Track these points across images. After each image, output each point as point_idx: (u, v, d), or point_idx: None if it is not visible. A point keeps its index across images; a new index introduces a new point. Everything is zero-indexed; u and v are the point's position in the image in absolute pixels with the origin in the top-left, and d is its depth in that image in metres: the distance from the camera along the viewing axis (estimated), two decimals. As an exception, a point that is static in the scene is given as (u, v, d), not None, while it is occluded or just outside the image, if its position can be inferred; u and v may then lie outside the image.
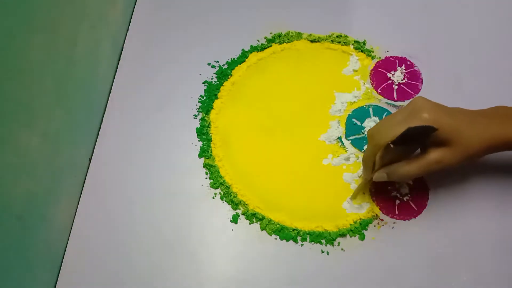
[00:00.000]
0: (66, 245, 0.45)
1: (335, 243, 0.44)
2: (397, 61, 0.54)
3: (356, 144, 0.49)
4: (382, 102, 0.52)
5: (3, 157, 0.35)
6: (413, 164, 0.40)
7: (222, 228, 0.45)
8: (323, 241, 0.44)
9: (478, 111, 0.41)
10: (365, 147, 0.48)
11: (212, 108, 0.52)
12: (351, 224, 0.45)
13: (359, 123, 0.50)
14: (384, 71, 0.53)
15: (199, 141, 0.50)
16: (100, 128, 0.51)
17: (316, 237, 0.44)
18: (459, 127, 0.38)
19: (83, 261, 0.44)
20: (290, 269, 0.43)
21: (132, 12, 0.60)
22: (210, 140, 0.50)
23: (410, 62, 0.54)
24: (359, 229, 0.45)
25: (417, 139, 0.39)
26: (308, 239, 0.44)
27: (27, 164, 0.38)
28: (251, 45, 0.56)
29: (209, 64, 0.55)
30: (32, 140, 0.39)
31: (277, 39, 0.56)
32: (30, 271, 0.40)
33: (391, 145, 0.40)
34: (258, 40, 0.56)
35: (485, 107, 0.50)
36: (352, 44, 0.55)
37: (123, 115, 0.52)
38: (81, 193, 0.47)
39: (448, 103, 0.51)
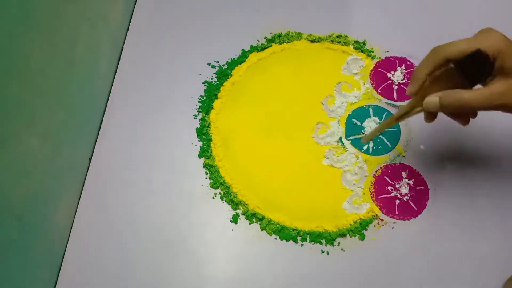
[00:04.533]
0: (66, 245, 0.45)
1: (335, 243, 0.44)
2: (397, 61, 0.54)
3: (356, 144, 0.49)
4: (382, 102, 0.52)
5: (3, 157, 0.35)
6: (474, 92, 0.34)
7: (222, 228, 0.45)
8: (323, 241, 0.44)
9: None
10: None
11: (212, 108, 0.52)
12: (351, 224, 0.45)
13: (359, 123, 0.50)
14: (384, 71, 0.53)
15: (199, 141, 0.50)
16: (100, 128, 0.51)
17: (316, 237, 0.44)
18: None
19: (83, 261, 0.44)
20: (290, 269, 0.43)
21: (132, 12, 0.60)
22: (210, 140, 0.50)
23: (410, 62, 0.54)
24: (359, 229, 0.45)
25: (478, 73, 0.34)
26: (308, 239, 0.44)
27: (27, 164, 0.38)
28: (251, 45, 0.56)
29: (209, 64, 0.55)
30: (33, 140, 0.39)
31: (277, 39, 0.56)
32: (30, 271, 0.40)
33: (452, 65, 0.34)
34: (258, 40, 0.56)
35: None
36: (352, 44, 0.55)
37: (123, 115, 0.52)
38: (81, 193, 0.47)
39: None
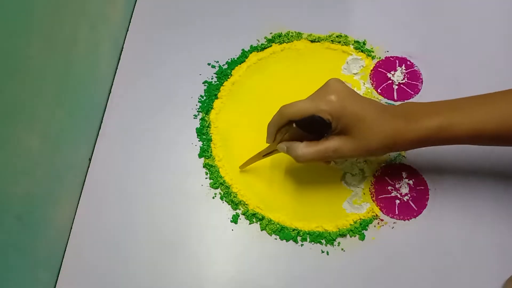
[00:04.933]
0: (66, 245, 0.45)
1: (335, 243, 0.44)
2: (397, 61, 0.54)
3: (356, 144, 0.49)
4: (382, 102, 0.52)
5: (3, 157, 0.35)
6: (311, 148, 0.39)
7: (222, 228, 0.45)
8: (323, 241, 0.44)
9: (389, 106, 0.40)
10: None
11: (212, 108, 0.52)
12: (351, 224, 0.45)
13: (359, 123, 0.50)
14: (384, 71, 0.53)
15: (199, 141, 0.50)
16: (100, 128, 0.51)
17: (316, 237, 0.44)
18: (364, 118, 0.37)
19: (83, 261, 0.44)
20: (290, 269, 0.43)
21: (132, 12, 0.60)
22: (210, 140, 0.50)
23: (410, 62, 0.54)
24: (359, 229, 0.45)
25: (319, 129, 0.39)
26: (308, 239, 0.44)
27: (27, 164, 0.38)
28: (251, 45, 0.56)
29: (209, 64, 0.55)
30: (32, 141, 0.39)
31: (277, 39, 0.56)
32: (30, 271, 0.40)
33: (294, 125, 0.39)
34: (258, 40, 0.56)
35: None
36: (352, 44, 0.55)
37: (123, 115, 0.52)
38: (81, 193, 0.47)
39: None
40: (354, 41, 0.56)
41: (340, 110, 0.37)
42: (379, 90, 0.52)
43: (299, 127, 0.39)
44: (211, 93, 0.53)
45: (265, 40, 0.56)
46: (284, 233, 0.45)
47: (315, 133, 0.39)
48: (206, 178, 0.48)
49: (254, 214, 0.46)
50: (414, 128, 0.38)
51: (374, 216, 0.45)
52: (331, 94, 0.38)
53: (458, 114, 0.38)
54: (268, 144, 0.44)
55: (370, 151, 0.39)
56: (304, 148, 0.39)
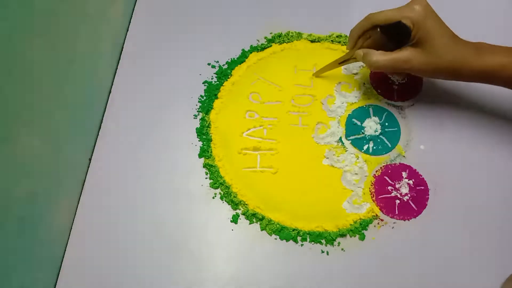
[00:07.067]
0: (66, 245, 0.45)
1: (335, 243, 0.44)
2: (397, 61, 0.54)
3: (356, 144, 0.49)
4: (382, 102, 0.52)
5: (3, 157, 0.35)
6: (386, 56, 0.43)
7: (222, 228, 0.45)
8: (323, 241, 0.44)
9: (464, 40, 0.43)
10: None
11: (212, 108, 0.52)
12: (351, 224, 0.45)
13: (359, 123, 0.50)
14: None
15: (199, 141, 0.50)
16: (100, 128, 0.51)
17: (316, 237, 0.44)
18: (441, 36, 0.41)
19: (83, 261, 0.44)
20: (290, 269, 0.43)
21: (132, 12, 0.59)
22: (210, 140, 0.50)
23: (410, 62, 0.54)
24: (359, 229, 0.45)
25: (399, 38, 0.42)
26: (308, 239, 0.44)
27: (27, 164, 0.38)
28: (251, 45, 0.56)
29: (209, 64, 0.55)
30: (32, 140, 0.39)
31: (277, 39, 0.56)
32: (30, 271, 0.40)
33: (378, 29, 0.43)
34: (258, 40, 0.56)
35: (485, 106, 0.50)
36: (352, 44, 0.55)
37: (123, 115, 0.52)
38: (81, 193, 0.47)
39: (448, 103, 0.52)
40: (354, 41, 0.56)
41: (422, 20, 0.40)
42: (379, 90, 0.52)
43: (383, 32, 0.43)
44: (211, 93, 0.53)
45: (265, 40, 0.56)
46: (284, 233, 0.45)
47: (395, 42, 0.43)
48: (206, 178, 0.48)
49: (254, 214, 0.46)
50: (480, 60, 0.42)
51: (374, 216, 0.45)
52: (416, 4, 0.41)
53: None
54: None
55: (436, 69, 0.42)
56: (379, 56, 0.43)
